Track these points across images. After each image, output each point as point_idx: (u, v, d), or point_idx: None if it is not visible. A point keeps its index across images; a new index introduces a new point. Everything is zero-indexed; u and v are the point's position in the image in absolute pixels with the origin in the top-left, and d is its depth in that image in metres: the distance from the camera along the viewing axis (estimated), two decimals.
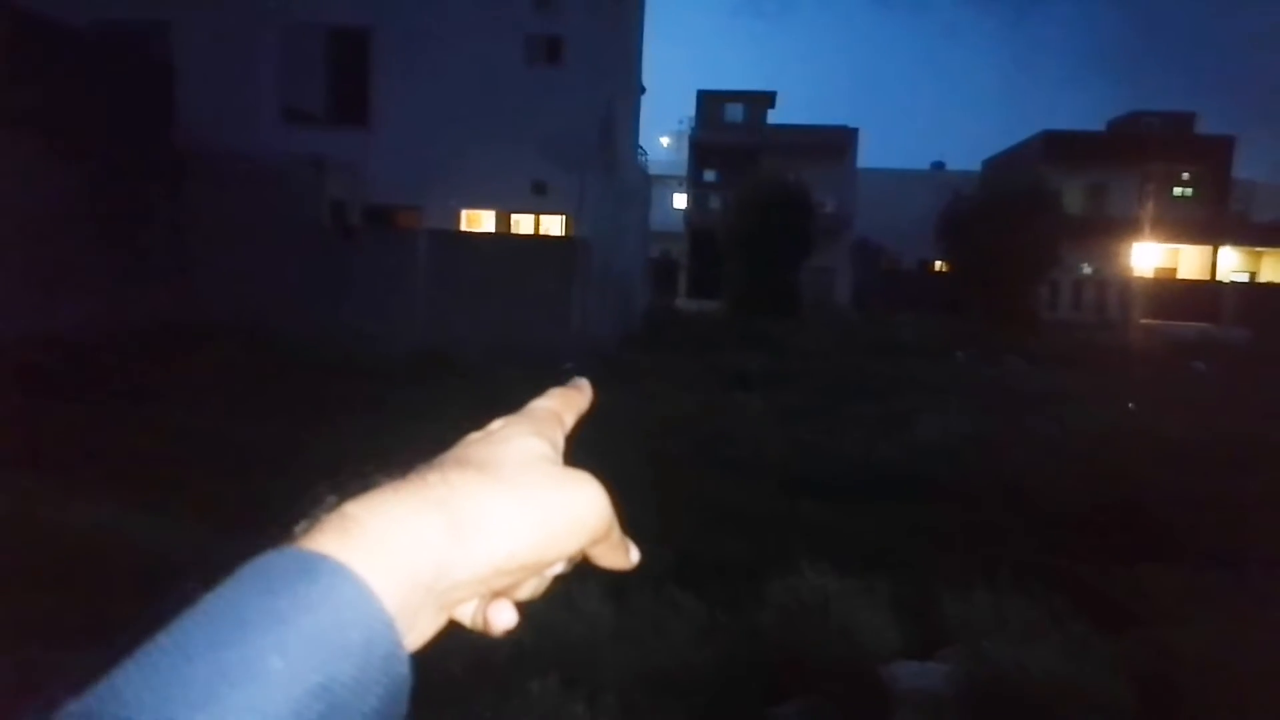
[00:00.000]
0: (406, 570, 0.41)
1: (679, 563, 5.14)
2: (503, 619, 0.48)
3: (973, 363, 19.08)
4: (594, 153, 19.09)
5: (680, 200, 47.78)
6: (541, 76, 19.09)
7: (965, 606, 4.42)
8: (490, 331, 15.77)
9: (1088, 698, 3.63)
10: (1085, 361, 19.26)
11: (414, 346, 14.68)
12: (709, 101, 46.29)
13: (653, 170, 35.45)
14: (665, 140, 59.42)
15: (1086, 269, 40.24)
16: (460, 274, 16.69)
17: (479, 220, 19.93)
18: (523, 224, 20.01)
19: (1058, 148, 40.54)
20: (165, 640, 0.36)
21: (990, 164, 46.55)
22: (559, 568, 0.51)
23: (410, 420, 9.01)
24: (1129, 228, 39.18)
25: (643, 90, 27.39)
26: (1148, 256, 40.16)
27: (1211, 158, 41.29)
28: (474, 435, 0.53)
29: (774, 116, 46.75)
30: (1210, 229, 40.38)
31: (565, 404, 0.59)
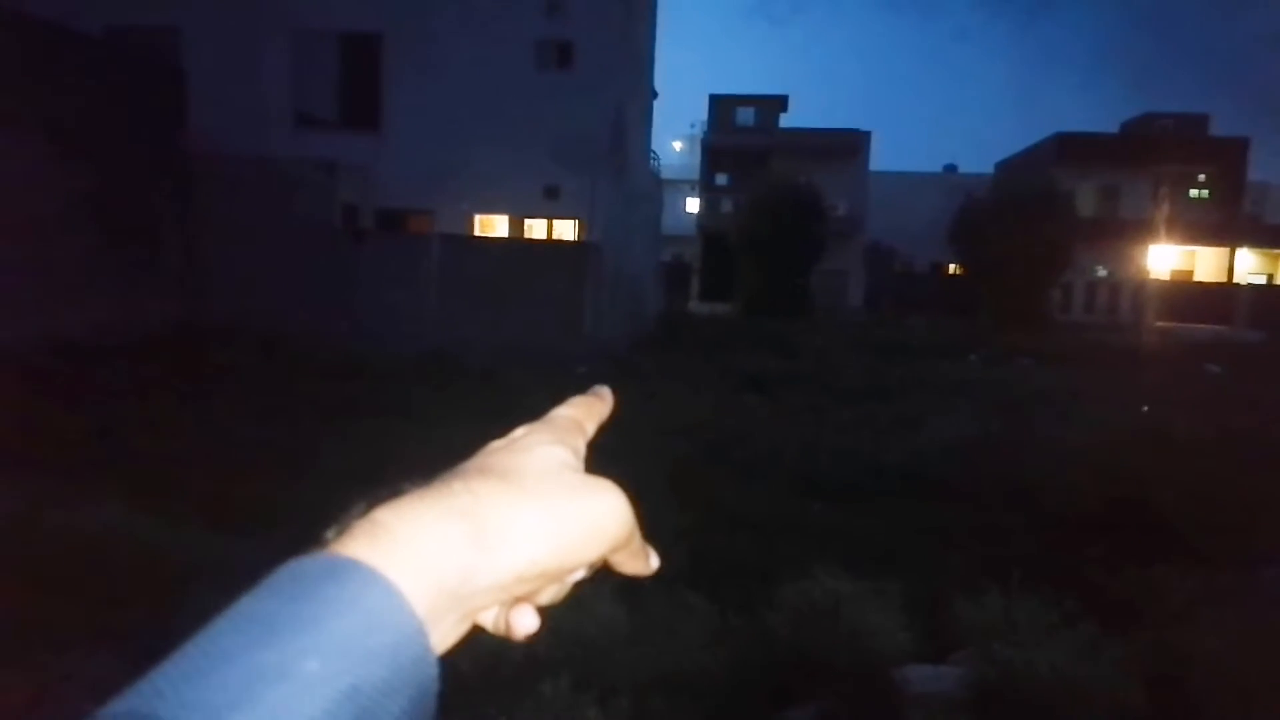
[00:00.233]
0: (434, 576, 0.42)
1: (691, 564, 5.15)
2: (525, 624, 0.49)
3: (985, 365, 19.02)
4: (605, 157, 19.12)
5: (692, 204, 47.81)
6: (552, 81, 19.14)
7: (977, 608, 4.42)
8: (502, 335, 15.82)
9: (1100, 700, 3.63)
10: (1098, 363, 19.17)
11: (425, 350, 14.73)
12: (721, 105, 46.31)
13: (665, 174, 35.49)
14: (678, 144, 59.48)
15: (1100, 271, 40.07)
16: (472, 278, 16.75)
17: (491, 225, 19.99)
18: (535, 228, 20.05)
19: (1071, 150, 40.39)
20: (204, 641, 0.37)
21: (1003, 166, 46.41)
22: (580, 574, 0.51)
23: (422, 423, 9.05)
24: (1142, 230, 39.00)
25: (654, 94, 27.42)
26: (1162, 259, 39.96)
27: (1225, 159, 41.07)
28: (497, 443, 0.53)
29: (786, 120, 46.79)
30: (1225, 231, 40.16)
31: (587, 412, 0.59)
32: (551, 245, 19.17)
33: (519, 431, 0.55)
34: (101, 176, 13.80)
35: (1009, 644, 3.97)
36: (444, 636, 0.44)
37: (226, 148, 16.73)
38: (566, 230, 19.77)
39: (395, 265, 16.84)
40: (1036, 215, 28.19)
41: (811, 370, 16.21)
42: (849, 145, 43.51)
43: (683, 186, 48.28)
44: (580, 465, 0.53)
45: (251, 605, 0.39)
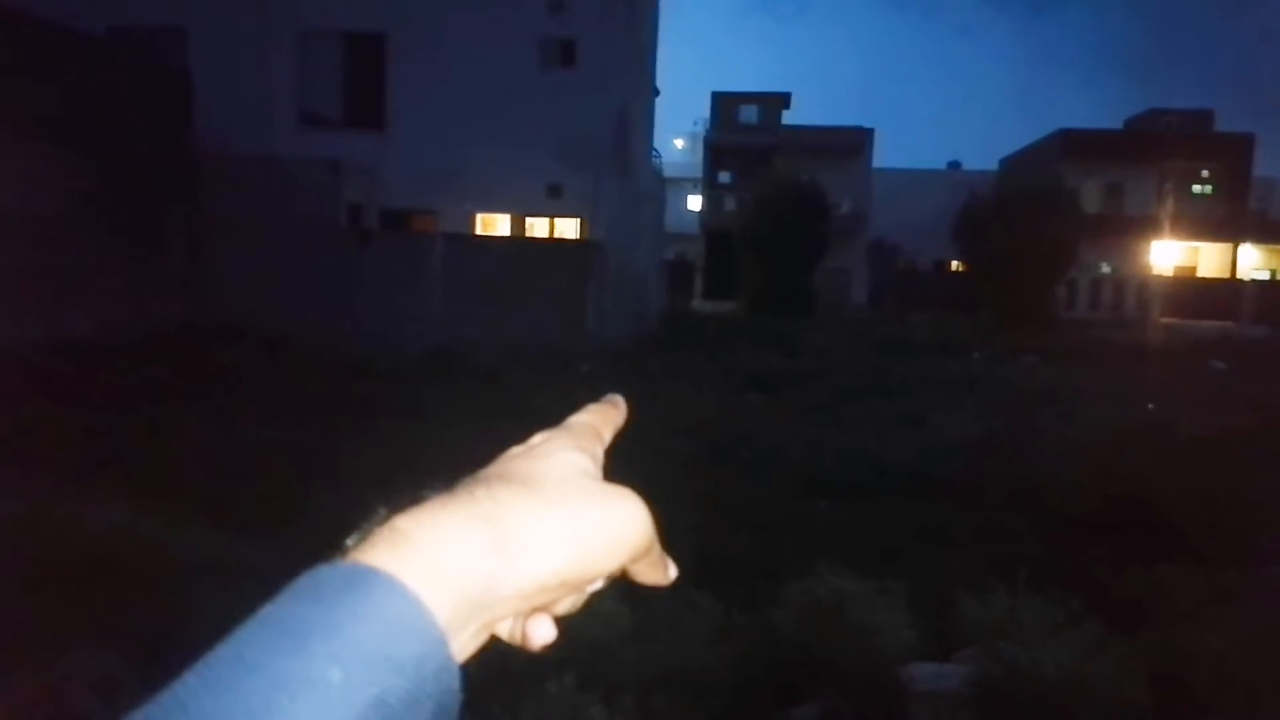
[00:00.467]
0: (455, 585, 0.42)
1: (695, 563, 5.15)
2: (542, 634, 0.48)
3: (989, 362, 19.01)
4: (608, 155, 19.12)
5: (695, 202, 47.78)
6: (555, 80, 19.13)
7: (982, 607, 4.42)
8: (506, 334, 15.83)
9: (1106, 699, 3.63)
10: (1102, 360, 19.14)
11: (429, 349, 14.75)
12: (723, 103, 46.29)
13: (667, 172, 35.48)
14: (680, 142, 59.48)
15: (1105, 268, 40.01)
16: (476, 277, 16.76)
17: (494, 224, 19.99)
18: (538, 227, 20.05)
19: (1075, 146, 40.31)
20: (226, 650, 0.37)
21: (1007, 163, 46.34)
22: (598, 584, 0.51)
23: (430, 422, 9.05)
24: (1147, 226, 38.93)
25: (657, 93, 27.41)
26: (1167, 255, 39.89)
27: (1230, 155, 40.97)
28: (515, 449, 0.53)
29: (789, 117, 46.75)
30: (1230, 227, 40.08)
31: (604, 419, 0.59)
32: (555, 244, 19.17)
33: (537, 438, 0.54)
34: (106, 176, 13.83)
35: (1014, 643, 3.96)
36: (464, 646, 0.44)
37: (231, 147, 16.76)
38: (570, 229, 19.77)
39: (399, 265, 16.86)
40: (1041, 212, 28.13)
41: (815, 368, 16.21)
42: (852, 143, 43.49)
43: (685, 185, 48.25)
44: (599, 473, 0.52)
45: (274, 614, 0.39)
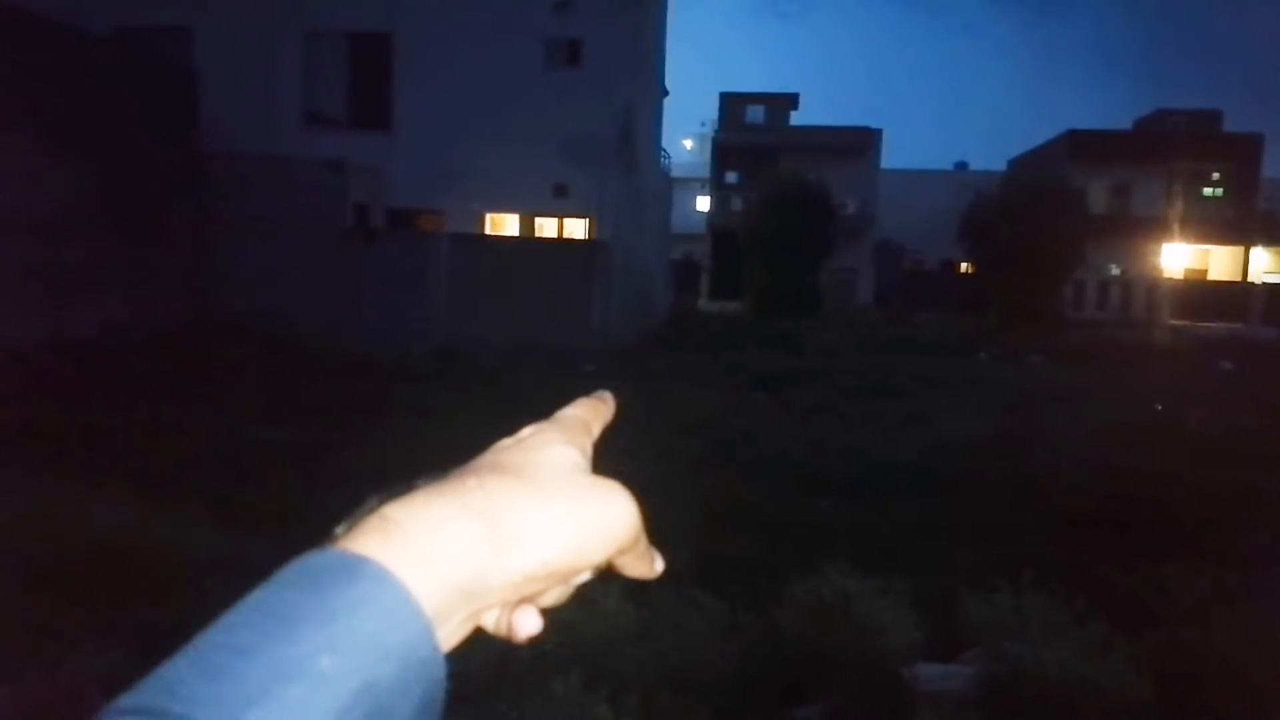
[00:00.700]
0: (445, 575, 0.42)
1: (699, 562, 5.15)
2: (528, 625, 0.48)
3: (995, 362, 18.97)
4: (614, 155, 19.12)
5: (703, 202, 47.75)
6: (561, 79, 19.15)
7: (987, 607, 4.41)
8: (511, 333, 15.85)
9: (1111, 699, 3.62)
10: (1110, 361, 19.10)
11: (435, 348, 14.77)
12: (731, 103, 46.23)
13: (675, 173, 35.44)
14: (688, 143, 59.43)
15: (1114, 269, 39.89)
16: (481, 276, 16.78)
17: (502, 223, 20.02)
18: (545, 227, 20.07)
19: (1083, 147, 40.18)
20: (217, 635, 0.37)
21: (1015, 163, 46.25)
22: (585, 576, 0.51)
23: (436, 421, 9.07)
24: (1156, 227, 38.80)
25: (665, 93, 27.40)
26: (1176, 257, 39.76)
27: (1240, 156, 40.79)
28: (505, 441, 0.53)
29: (796, 118, 46.67)
30: (1239, 228, 39.92)
31: (593, 413, 0.59)
32: (561, 244, 19.19)
33: (527, 430, 0.54)
34: (111, 176, 13.87)
35: (1020, 642, 3.96)
36: (450, 635, 0.44)
37: (236, 147, 16.80)
38: (577, 229, 19.78)
39: (405, 264, 16.88)
40: (1047, 211, 28.05)
41: (820, 368, 16.19)
42: (859, 143, 43.42)
43: (693, 185, 48.20)
44: (589, 466, 0.53)
45: (264, 600, 0.39)
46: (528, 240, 19.18)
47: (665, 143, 28.51)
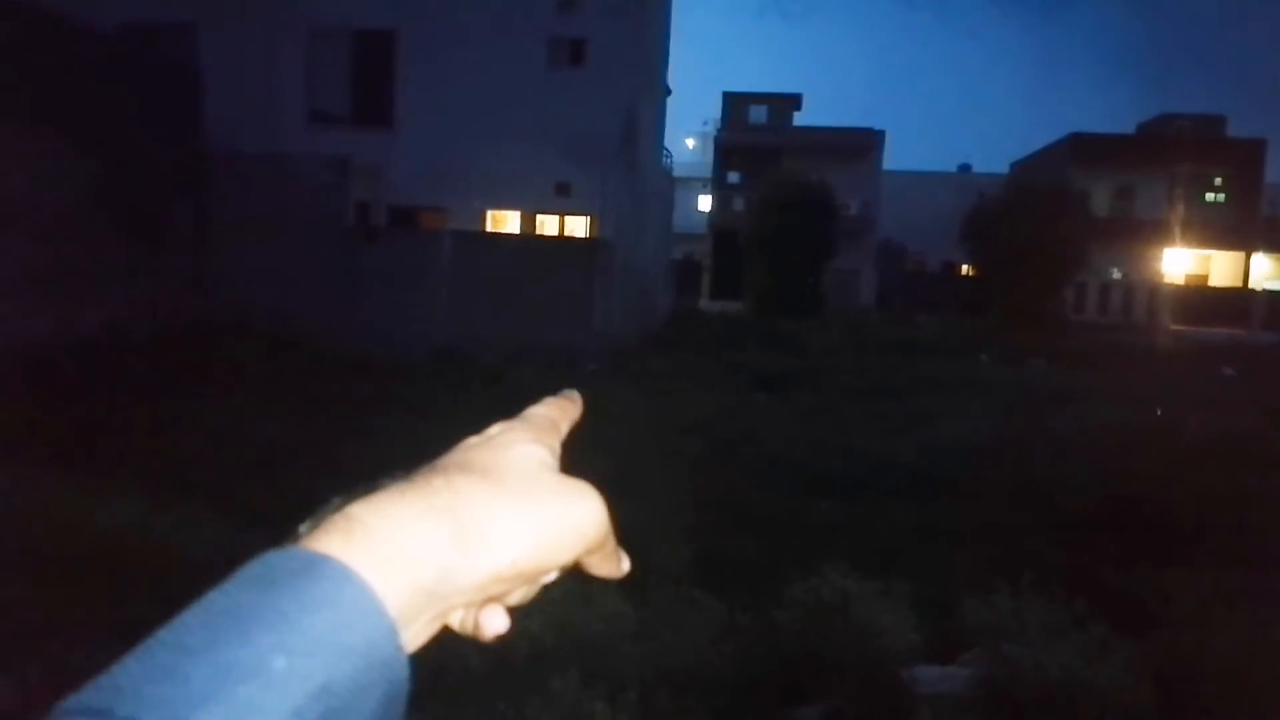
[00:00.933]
0: (410, 574, 0.41)
1: (698, 562, 5.16)
2: (495, 624, 0.47)
3: (996, 364, 18.97)
4: (616, 153, 19.13)
5: (705, 202, 47.74)
6: (564, 78, 19.16)
7: (986, 608, 4.42)
8: (513, 332, 15.84)
9: (1111, 701, 3.62)
10: (1111, 364, 19.09)
11: (437, 347, 14.77)
12: (734, 103, 46.22)
13: (677, 172, 35.43)
14: (690, 142, 59.43)
15: (1115, 273, 39.86)
16: (483, 275, 16.77)
17: (504, 221, 20.03)
18: (548, 225, 20.08)
19: (1086, 150, 40.14)
20: (167, 635, 0.37)
21: (1018, 166, 46.23)
22: (553, 575, 0.51)
23: (438, 420, 9.07)
24: (1158, 231, 38.76)
25: (668, 92, 27.40)
26: (1178, 261, 39.72)
27: (1242, 161, 40.73)
28: (472, 439, 0.53)
29: (799, 118, 46.67)
30: (1241, 233, 39.88)
31: (561, 412, 0.59)
32: (563, 242, 19.18)
33: (495, 429, 0.54)
34: (115, 174, 13.86)
35: (1019, 644, 3.96)
36: (416, 635, 0.43)
37: (240, 145, 16.80)
38: (579, 227, 19.79)
39: (407, 262, 16.88)
40: (1050, 214, 28.04)
41: (821, 369, 16.20)
42: (862, 144, 43.41)
43: (695, 184, 48.19)
44: (557, 465, 0.52)
45: (218, 600, 0.38)
46: (529, 238, 19.18)
47: (668, 142, 28.52)
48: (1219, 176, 41.32)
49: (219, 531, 5.40)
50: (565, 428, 0.58)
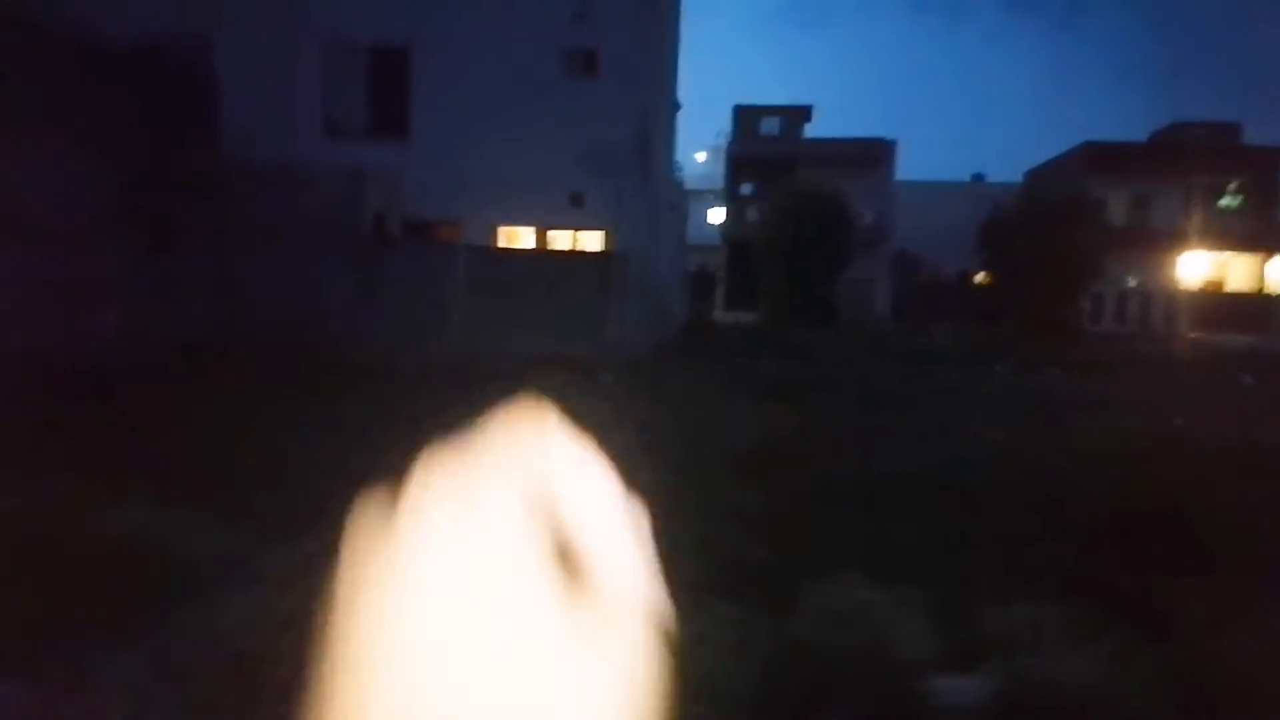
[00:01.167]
0: None
1: (713, 570, 5.14)
2: None
3: (1012, 374, 18.88)
4: (630, 165, 19.18)
5: (716, 214, 47.76)
6: (578, 89, 19.23)
7: (1004, 619, 4.39)
8: (528, 344, 15.87)
9: (1129, 714, 3.60)
10: (1128, 374, 18.97)
11: (451, 358, 14.80)
12: (745, 115, 46.28)
13: (689, 185, 35.51)
14: (701, 156, 59.43)
15: (1131, 281, 39.68)
16: (498, 288, 16.82)
17: (517, 236, 20.09)
18: (561, 239, 20.14)
19: (1100, 158, 40.03)
20: None
21: (1032, 175, 46.11)
22: None
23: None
24: (1174, 239, 38.58)
25: (679, 106, 27.48)
26: (1194, 268, 39.51)
27: (1258, 168, 40.55)
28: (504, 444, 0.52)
29: (811, 129, 46.69)
30: (1258, 240, 39.66)
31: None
32: (577, 255, 19.23)
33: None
34: (131, 184, 13.97)
35: (1036, 655, 3.94)
36: None
37: (256, 156, 16.91)
38: (592, 240, 19.84)
39: (422, 274, 16.95)
40: (1065, 223, 27.95)
41: (836, 378, 16.15)
42: (874, 154, 43.38)
43: (707, 196, 48.22)
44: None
45: None
46: (545, 253, 19.24)
47: (680, 156, 28.78)
48: (1234, 183, 41.12)
49: (229, 538, 5.43)
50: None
